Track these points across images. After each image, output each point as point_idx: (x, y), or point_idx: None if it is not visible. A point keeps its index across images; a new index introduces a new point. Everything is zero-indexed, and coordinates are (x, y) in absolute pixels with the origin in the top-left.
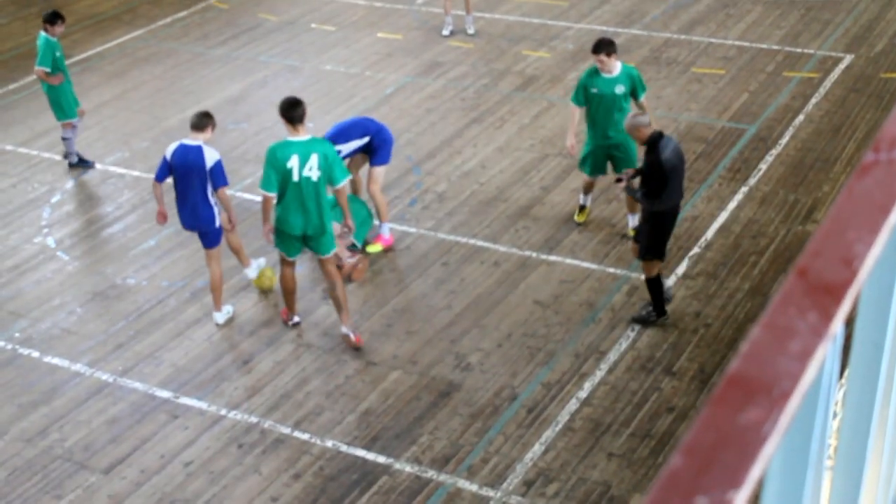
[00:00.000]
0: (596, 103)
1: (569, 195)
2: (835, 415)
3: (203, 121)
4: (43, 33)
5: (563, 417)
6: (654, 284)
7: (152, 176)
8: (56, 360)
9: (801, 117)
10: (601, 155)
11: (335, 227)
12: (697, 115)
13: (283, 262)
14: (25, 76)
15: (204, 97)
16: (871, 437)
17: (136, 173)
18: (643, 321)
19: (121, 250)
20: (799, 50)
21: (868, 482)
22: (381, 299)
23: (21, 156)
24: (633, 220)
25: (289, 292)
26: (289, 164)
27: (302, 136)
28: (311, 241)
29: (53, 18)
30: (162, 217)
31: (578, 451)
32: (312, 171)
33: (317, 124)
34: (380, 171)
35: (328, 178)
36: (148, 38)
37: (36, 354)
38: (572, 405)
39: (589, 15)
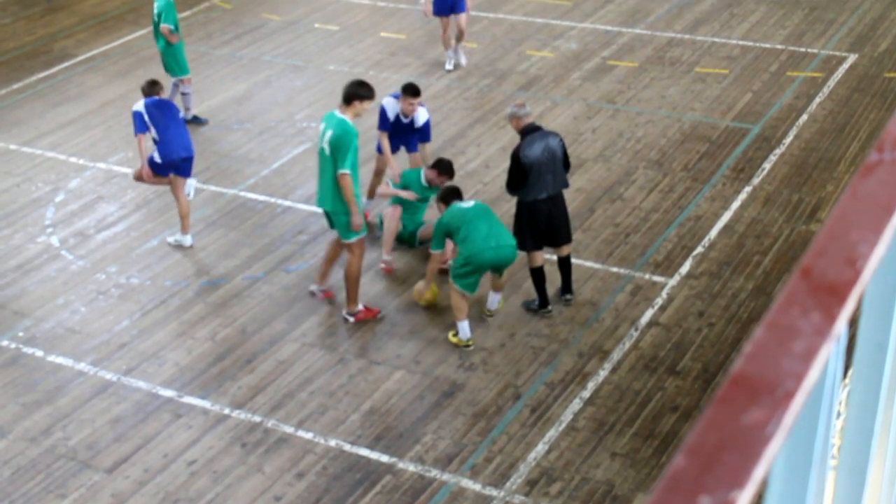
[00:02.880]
0: None
1: (572, 195)
2: (838, 415)
3: (154, 88)
4: None
5: (567, 417)
6: (535, 275)
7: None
8: (60, 360)
9: (804, 117)
10: None
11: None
12: (701, 115)
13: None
14: (29, 76)
15: (208, 97)
16: (875, 438)
17: None
18: (527, 308)
19: (124, 249)
20: (803, 49)
21: (872, 482)
22: (384, 298)
23: (25, 155)
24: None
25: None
26: (320, 133)
27: (340, 112)
28: (329, 218)
29: None
30: (150, 176)
31: (582, 451)
32: (326, 144)
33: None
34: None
35: (335, 157)
36: (152, 37)
37: (40, 353)
38: (576, 405)
39: (593, 14)
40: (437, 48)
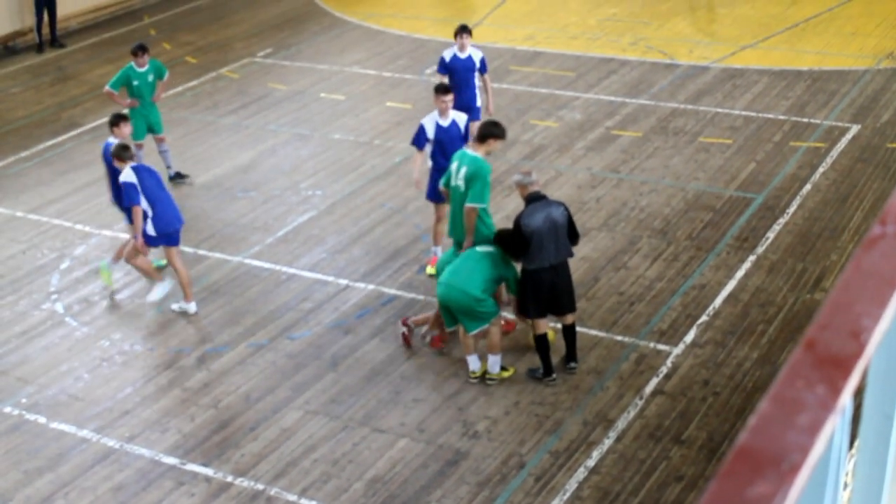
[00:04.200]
0: None
1: (577, 263)
2: (845, 486)
3: (127, 153)
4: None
5: (571, 486)
6: (539, 343)
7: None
8: (63, 427)
9: (808, 186)
10: None
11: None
12: (705, 184)
13: None
14: (37, 144)
15: (213, 165)
16: None
17: None
18: (532, 376)
19: (129, 316)
20: (805, 120)
21: None
22: (388, 366)
23: (31, 222)
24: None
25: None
26: (451, 168)
27: (472, 150)
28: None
29: (135, 50)
30: (145, 250)
31: None
32: (460, 180)
33: (325, 192)
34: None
35: (467, 192)
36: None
37: (43, 420)
38: (580, 474)
39: (597, 85)
40: None
